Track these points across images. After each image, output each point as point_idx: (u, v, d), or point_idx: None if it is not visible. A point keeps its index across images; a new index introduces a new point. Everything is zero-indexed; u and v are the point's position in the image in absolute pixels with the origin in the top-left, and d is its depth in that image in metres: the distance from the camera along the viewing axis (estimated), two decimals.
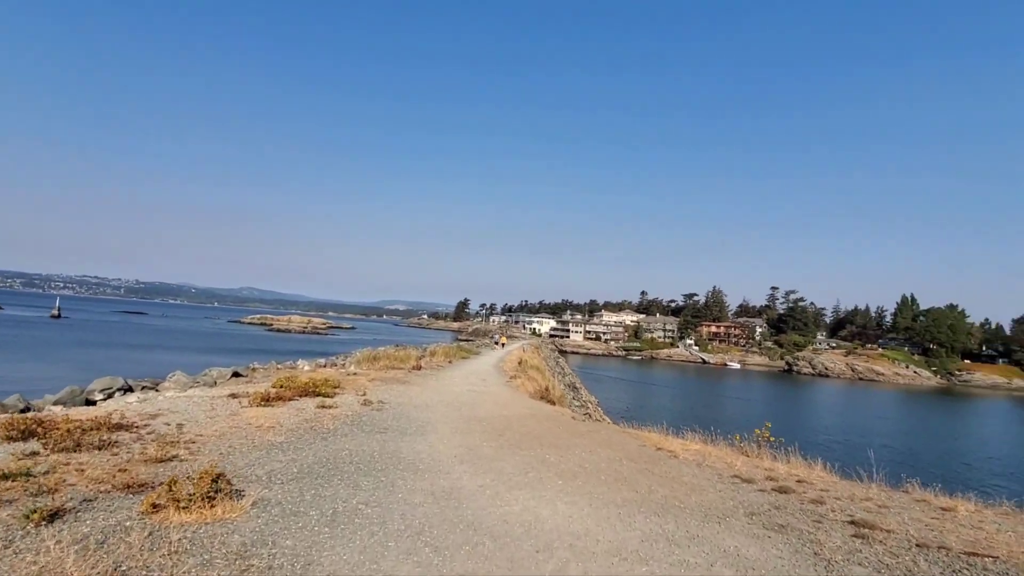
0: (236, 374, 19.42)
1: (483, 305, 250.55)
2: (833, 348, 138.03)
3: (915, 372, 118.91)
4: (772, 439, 8.23)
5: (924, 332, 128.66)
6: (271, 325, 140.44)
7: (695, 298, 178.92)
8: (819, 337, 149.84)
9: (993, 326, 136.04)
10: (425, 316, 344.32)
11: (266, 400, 11.14)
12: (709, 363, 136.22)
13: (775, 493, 5.93)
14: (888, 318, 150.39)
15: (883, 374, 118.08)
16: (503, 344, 51.41)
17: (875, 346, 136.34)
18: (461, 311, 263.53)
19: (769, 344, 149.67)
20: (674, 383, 78.45)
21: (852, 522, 4.91)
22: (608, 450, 8.21)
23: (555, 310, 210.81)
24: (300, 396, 12.24)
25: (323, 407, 10.86)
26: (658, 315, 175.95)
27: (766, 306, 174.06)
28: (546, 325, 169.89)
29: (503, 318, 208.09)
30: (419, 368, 22.79)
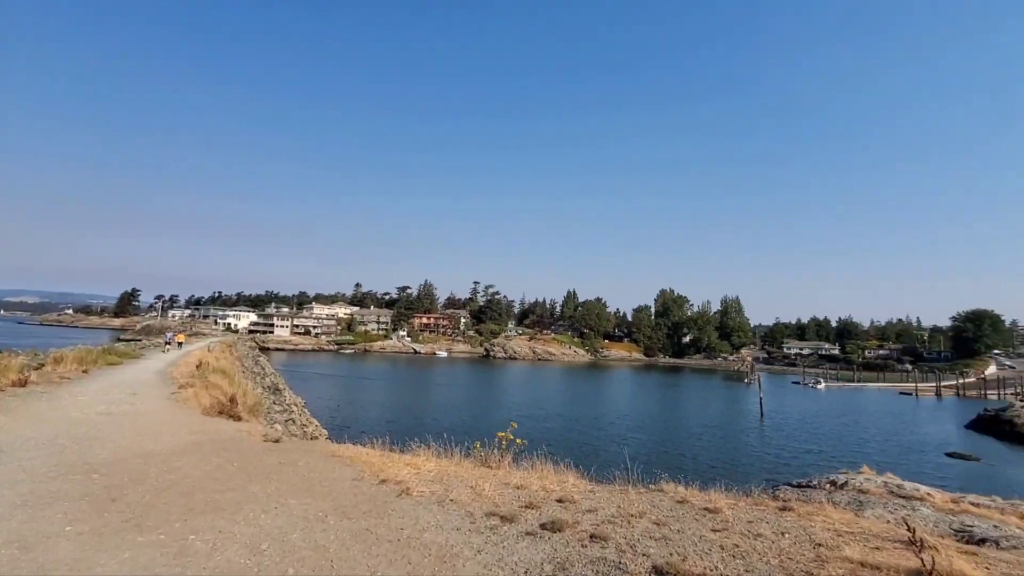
0: None
1: (160, 297, 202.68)
2: (520, 335, 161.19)
3: (575, 351, 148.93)
4: (520, 442, 6.89)
5: (581, 319, 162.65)
6: None
7: (408, 291, 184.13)
8: (510, 325, 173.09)
9: (621, 313, 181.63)
10: (70, 311, 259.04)
11: None
12: (420, 353, 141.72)
13: (547, 535, 4.32)
14: (559, 309, 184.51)
15: (555, 354, 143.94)
16: (180, 343, 40.92)
17: (549, 331, 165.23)
18: (126, 304, 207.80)
19: (471, 333, 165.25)
20: (388, 375, 77.77)
21: (657, 571, 3.59)
22: (307, 498, 5.41)
23: (256, 303, 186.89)
24: None
25: None
26: (372, 308, 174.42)
27: (469, 299, 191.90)
28: (245, 320, 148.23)
29: (187, 312, 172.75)
30: (23, 383, 14.81)
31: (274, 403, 29.27)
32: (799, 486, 8.73)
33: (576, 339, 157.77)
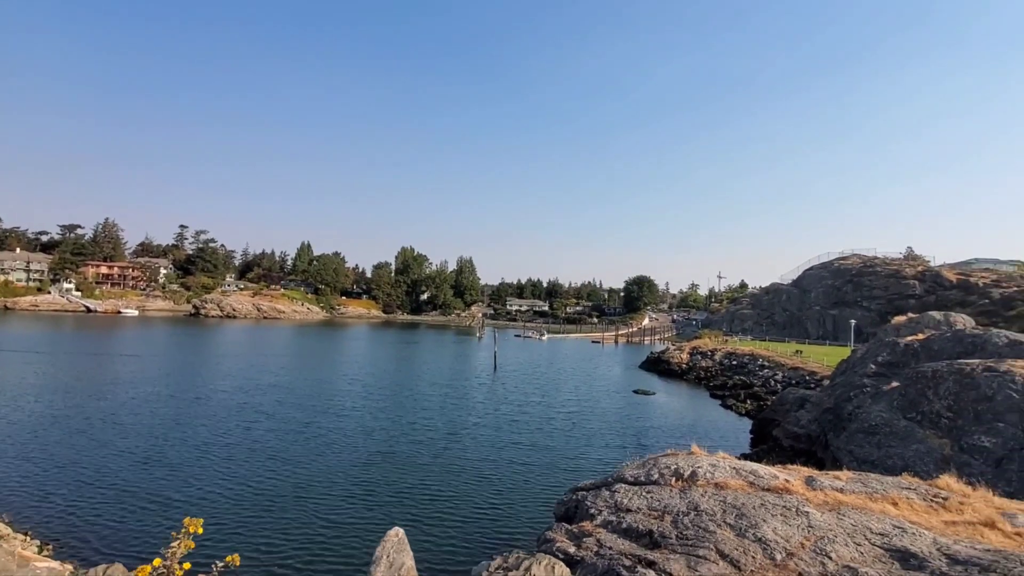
0: None
1: None
2: (242, 290, 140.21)
3: (308, 308, 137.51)
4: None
5: (316, 274, 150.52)
6: None
7: (79, 231, 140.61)
8: (228, 279, 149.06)
9: (360, 269, 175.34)
10: None
11: None
12: (96, 311, 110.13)
13: None
14: (290, 262, 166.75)
15: (284, 312, 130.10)
16: None
17: (278, 287, 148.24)
18: None
19: (175, 287, 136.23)
20: (35, 342, 56.73)
21: None
22: None
23: None
24: None
25: None
26: (19, 250, 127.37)
27: (173, 245, 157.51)
28: None
29: None
30: None
31: None
32: (637, 482, 7.68)
33: (311, 295, 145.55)
